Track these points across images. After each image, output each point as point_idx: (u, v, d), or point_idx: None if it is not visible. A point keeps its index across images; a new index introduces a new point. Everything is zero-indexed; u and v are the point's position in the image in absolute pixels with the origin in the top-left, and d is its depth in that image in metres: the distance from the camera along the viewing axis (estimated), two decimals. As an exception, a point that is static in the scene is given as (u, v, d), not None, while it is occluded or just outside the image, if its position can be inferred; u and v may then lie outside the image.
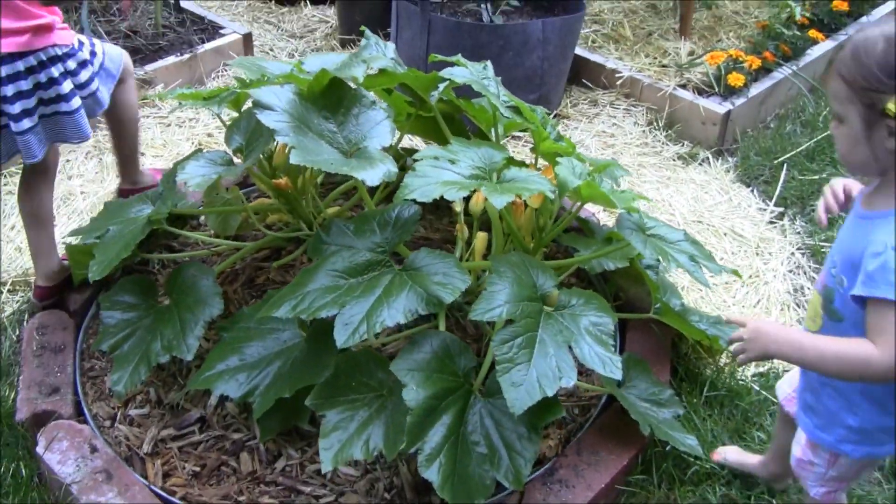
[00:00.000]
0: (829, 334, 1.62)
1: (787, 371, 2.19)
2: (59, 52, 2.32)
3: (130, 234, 2.18)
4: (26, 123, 2.32)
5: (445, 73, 2.33)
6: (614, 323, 1.99)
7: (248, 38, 4.10)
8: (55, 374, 2.35)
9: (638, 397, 2.19)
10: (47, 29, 2.28)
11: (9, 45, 2.21)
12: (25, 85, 2.28)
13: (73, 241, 2.44)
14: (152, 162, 3.36)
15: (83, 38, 2.47)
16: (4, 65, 2.23)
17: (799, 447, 1.85)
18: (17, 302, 2.72)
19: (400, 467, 2.11)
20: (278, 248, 2.63)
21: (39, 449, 2.11)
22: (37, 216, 2.53)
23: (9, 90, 2.25)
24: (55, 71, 2.32)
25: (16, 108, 2.28)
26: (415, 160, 2.03)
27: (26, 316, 2.62)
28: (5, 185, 3.20)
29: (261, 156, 2.34)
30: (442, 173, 2.02)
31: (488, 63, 2.50)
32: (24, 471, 2.13)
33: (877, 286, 1.47)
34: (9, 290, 2.75)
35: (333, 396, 1.96)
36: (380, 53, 2.40)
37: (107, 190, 3.18)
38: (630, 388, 2.21)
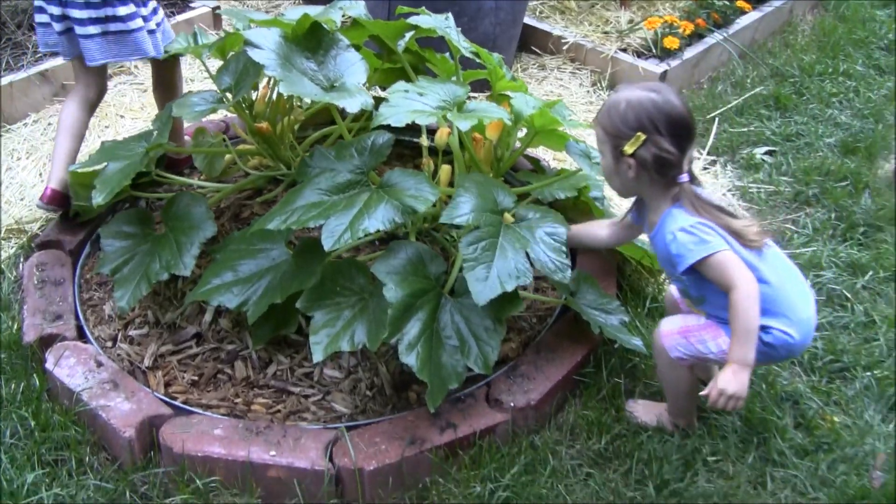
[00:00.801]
0: (714, 311, 2.09)
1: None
2: None
3: (130, 166, 2.41)
4: (91, 30, 2.60)
5: (412, 20, 2.60)
6: (567, 232, 2.26)
7: (217, 13, 4.30)
8: (57, 304, 2.55)
9: (588, 305, 2.45)
10: None
11: None
12: None
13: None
14: (133, 124, 3.57)
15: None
16: None
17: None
18: (13, 247, 2.91)
19: (380, 367, 2.37)
20: (260, 188, 2.87)
21: (48, 365, 2.31)
22: (71, 127, 2.77)
23: None
24: None
25: (82, 14, 2.58)
26: (388, 94, 2.30)
27: (21, 259, 2.82)
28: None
29: (243, 106, 2.59)
30: (412, 104, 2.28)
31: (449, 14, 2.76)
32: (37, 382, 2.33)
33: (688, 255, 1.98)
34: (3, 238, 2.94)
35: (321, 299, 2.20)
36: (353, 4, 2.66)
37: (90, 149, 3.38)
38: (581, 298, 2.46)
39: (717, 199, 2.00)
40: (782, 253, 2.13)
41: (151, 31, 2.72)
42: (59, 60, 3.72)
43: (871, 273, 2.93)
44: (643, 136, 1.96)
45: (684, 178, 2.01)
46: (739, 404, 1.96)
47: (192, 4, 4.30)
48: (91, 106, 2.84)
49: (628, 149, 1.98)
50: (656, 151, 1.96)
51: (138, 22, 2.66)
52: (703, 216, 1.99)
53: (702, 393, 2.00)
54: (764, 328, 1.99)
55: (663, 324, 2.19)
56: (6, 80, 3.56)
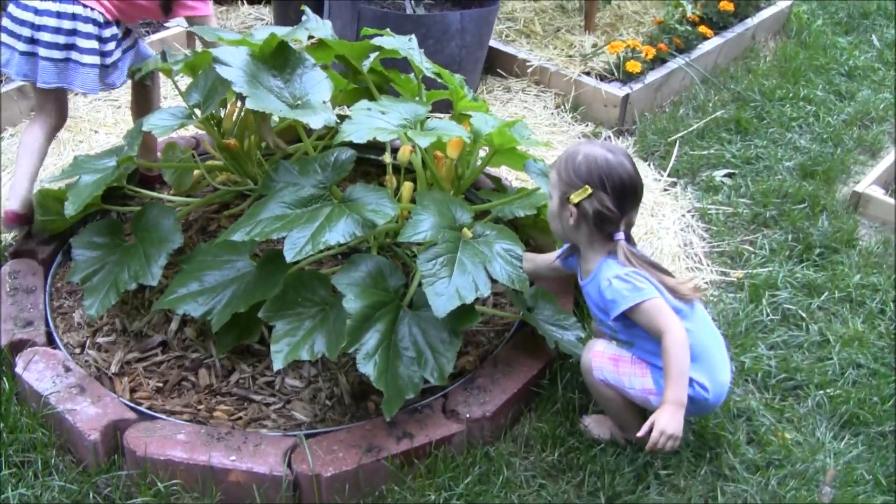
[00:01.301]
0: (641, 354, 2.21)
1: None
2: (99, 19, 2.73)
3: (101, 179, 2.48)
4: (54, 54, 2.71)
5: (376, 40, 2.69)
6: (522, 250, 2.34)
7: (190, 34, 4.38)
8: (28, 310, 2.60)
9: (545, 321, 2.52)
10: None
11: None
12: (60, 24, 2.69)
13: (47, 186, 2.71)
14: (106, 139, 3.64)
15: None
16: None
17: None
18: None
19: (339, 377, 2.45)
20: (227, 203, 2.94)
21: (18, 370, 2.36)
22: (32, 147, 2.84)
23: (50, 23, 2.68)
24: (84, 28, 2.71)
25: (51, 39, 2.69)
26: (351, 111, 2.38)
27: (-5, 265, 2.87)
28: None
29: (212, 123, 2.66)
30: (374, 121, 2.38)
31: (413, 36, 2.85)
32: (6, 386, 2.38)
33: (622, 302, 2.11)
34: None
35: (282, 309, 2.28)
36: (320, 26, 2.74)
37: (65, 163, 3.44)
38: (538, 314, 2.54)
39: (650, 257, 2.15)
40: (709, 317, 2.30)
41: (106, 66, 2.81)
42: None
43: (826, 294, 3.03)
44: (589, 190, 2.12)
45: (620, 236, 2.16)
46: (677, 444, 2.06)
47: (166, 25, 4.37)
48: (52, 129, 2.92)
49: (574, 198, 2.15)
50: (598, 206, 2.12)
51: (94, 58, 2.75)
52: (637, 268, 2.13)
53: (639, 434, 2.07)
54: None
55: (597, 343, 2.30)
56: (-17, 94, 3.61)
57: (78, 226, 2.89)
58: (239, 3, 5.14)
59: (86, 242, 2.60)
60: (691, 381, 2.11)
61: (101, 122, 3.75)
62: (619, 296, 2.12)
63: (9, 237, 2.96)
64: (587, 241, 2.23)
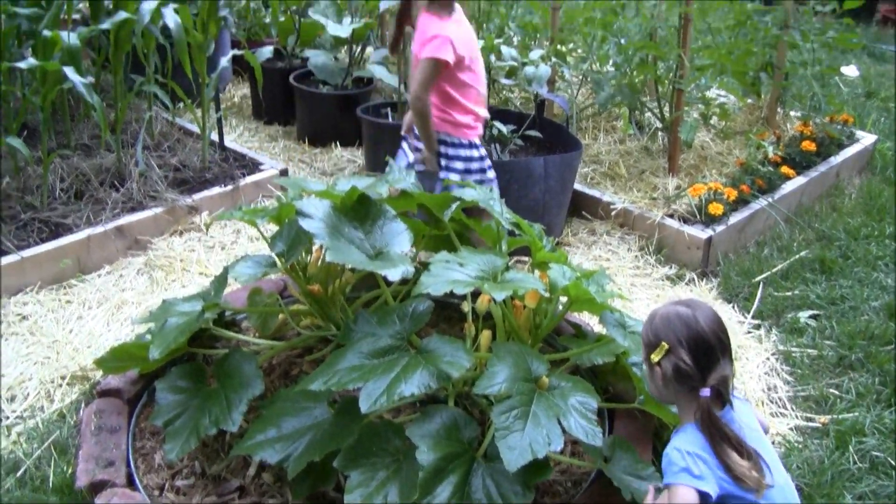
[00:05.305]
0: None
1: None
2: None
3: (186, 323, 2.57)
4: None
5: (456, 192, 2.77)
6: (597, 403, 2.33)
7: (284, 174, 4.61)
8: (111, 450, 2.66)
9: (622, 471, 2.48)
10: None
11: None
12: None
13: (132, 332, 2.81)
14: (197, 279, 3.78)
15: None
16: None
17: None
18: (76, 393, 3.07)
19: (413, 528, 2.42)
20: (310, 347, 3.01)
21: (98, 511, 2.43)
22: None
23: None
24: None
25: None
26: (429, 263, 2.44)
27: (83, 405, 2.98)
28: (65, 294, 3.62)
29: (297, 269, 2.75)
30: (451, 273, 2.42)
31: (494, 186, 2.93)
32: (86, 527, 2.43)
33: (667, 473, 2.08)
34: (68, 384, 3.11)
35: (357, 459, 2.29)
36: (402, 178, 2.84)
37: (156, 300, 3.58)
38: (615, 464, 2.49)
39: (737, 429, 2.08)
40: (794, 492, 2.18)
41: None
42: (135, 216, 3.99)
43: (916, 439, 2.92)
44: (666, 347, 2.11)
45: (705, 392, 2.09)
46: None
47: (261, 167, 4.58)
48: None
49: (654, 357, 2.14)
50: (676, 362, 2.10)
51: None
52: (712, 445, 2.06)
53: None
54: None
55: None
56: (85, 233, 3.81)
57: (166, 366, 2.98)
58: (333, 145, 5.36)
59: (170, 386, 2.67)
60: None
61: (195, 261, 3.90)
62: (668, 467, 2.08)
63: (98, 374, 3.07)
64: (677, 399, 2.20)
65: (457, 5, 3.34)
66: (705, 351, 2.12)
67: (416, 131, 3.42)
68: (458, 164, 3.43)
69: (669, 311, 2.15)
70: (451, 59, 3.18)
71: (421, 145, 3.43)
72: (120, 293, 3.67)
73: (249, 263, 2.59)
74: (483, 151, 3.48)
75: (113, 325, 3.45)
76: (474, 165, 3.45)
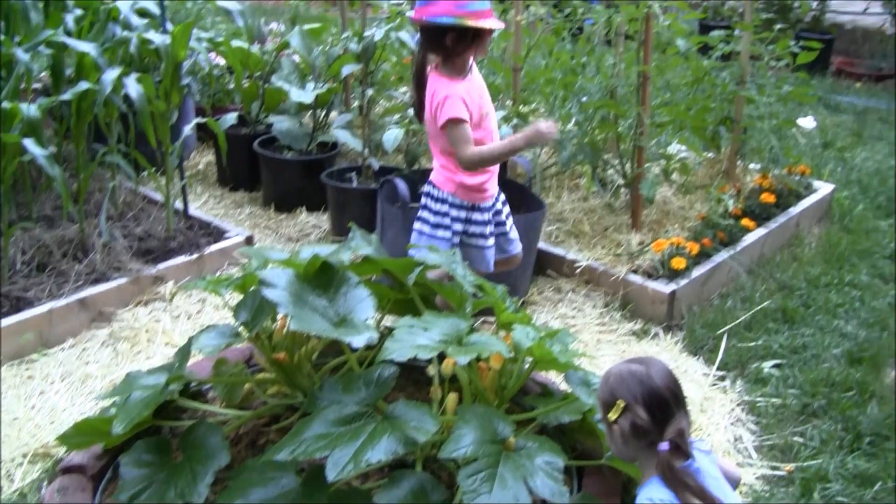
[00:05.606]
0: None
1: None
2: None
3: (151, 396, 2.55)
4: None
5: (419, 257, 2.79)
6: (563, 462, 2.34)
7: (249, 241, 4.61)
8: (75, 529, 2.63)
9: (592, 531, 2.50)
10: None
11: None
12: None
13: (96, 407, 2.77)
14: (163, 350, 3.76)
15: None
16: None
17: None
18: (38, 471, 3.02)
19: None
20: (277, 415, 2.99)
21: (60, 592, 2.38)
22: None
23: None
24: None
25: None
26: (393, 328, 2.45)
27: (45, 483, 2.92)
28: (27, 370, 3.58)
29: (263, 337, 2.75)
30: (415, 338, 2.43)
31: (457, 250, 2.95)
32: None
33: None
34: (29, 461, 3.06)
35: (325, 529, 2.27)
36: (365, 244, 2.86)
37: (120, 373, 3.55)
38: (585, 524, 2.51)
39: (701, 480, 2.10)
40: None
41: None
42: (99, 288, 3.96)
43: (879, 483, 2.96)
44: (623, 404, 2.13)
45: (664, 446, 2.11)
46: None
47: (226, 235, 4.59)
48: None
49: (611, 416, 2.16)
50: (633, 419, 2.12)
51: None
52: (678, 496, 2.07)
53: None
54: None
55: None
56: (47, 306, 3.78)
57: (132, 439, 2.94)
58: (298, 211, 5.38)
59: (135, 460, 2.63)
60: None
61: (160, 332, 3.88)
62: None
63: (61, 451, 3.03)
64: (638, 456, 2.21)
65: (474, 67, 3.31)
66: (660, 406, 2.15)
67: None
68: (477, 228, 3.43)
69: (623, 370, 2.18)
70: (466, 116, 3.16)
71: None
72: (84, 367, 3.63)
73: (213, 334, 2.58)
74: (492, 214, 3.51)
75: (77, 399, 3.41)
76: (488, 230, 3.45)
